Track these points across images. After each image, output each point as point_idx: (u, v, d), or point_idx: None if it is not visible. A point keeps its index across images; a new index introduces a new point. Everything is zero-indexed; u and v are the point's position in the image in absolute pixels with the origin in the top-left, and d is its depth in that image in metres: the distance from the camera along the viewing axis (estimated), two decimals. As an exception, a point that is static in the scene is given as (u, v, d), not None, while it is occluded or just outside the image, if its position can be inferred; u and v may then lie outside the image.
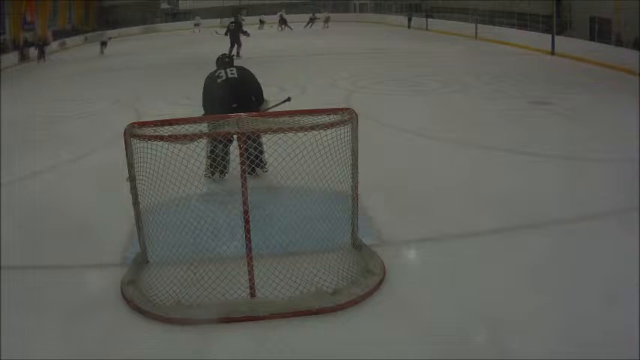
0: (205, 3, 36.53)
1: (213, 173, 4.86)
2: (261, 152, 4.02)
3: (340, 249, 3.57)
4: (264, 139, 3.77)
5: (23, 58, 20.30)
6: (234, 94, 4.90)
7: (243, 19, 32.78)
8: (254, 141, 3.37)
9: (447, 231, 4.09)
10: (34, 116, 9.23)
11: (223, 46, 14.28)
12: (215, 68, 5.22)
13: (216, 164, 4.67)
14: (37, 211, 4.72)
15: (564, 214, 4.34)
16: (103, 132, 7.22)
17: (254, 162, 3.74)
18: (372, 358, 2.74)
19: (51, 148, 6.99)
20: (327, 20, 29.17)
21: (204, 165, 4.45)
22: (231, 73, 5.04)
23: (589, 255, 3.67)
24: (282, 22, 28.34)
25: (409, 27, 27.02)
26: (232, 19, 17.28)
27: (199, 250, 3.47)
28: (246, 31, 16.82)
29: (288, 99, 5.20)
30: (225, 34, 16.35)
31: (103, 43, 22.83)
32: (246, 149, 3.22)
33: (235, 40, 16.22)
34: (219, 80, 5.01)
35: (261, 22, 29.59)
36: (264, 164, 4.62)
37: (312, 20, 29.49)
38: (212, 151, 4.56)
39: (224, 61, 5.27)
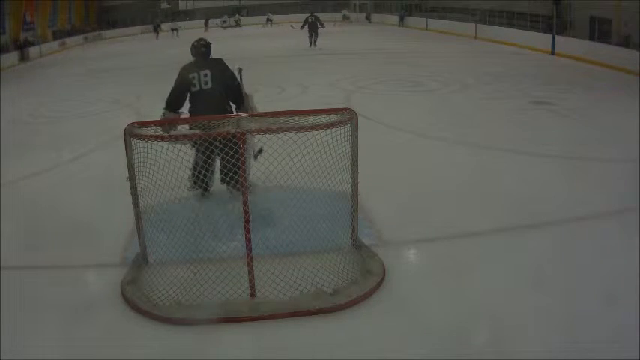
0: (205, 3, 36.52)
1: (196, 186, 4.45)
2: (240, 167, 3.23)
3: (340, 249, 3.57)
4: (264, 139, 3.59)
5: (23, 58, 20.32)
6: (206, 107, 4.28)
7: (240, 19, 33.17)
8: (235, 144, 3.16)
9: (447, 231, 4.09)
10: (35, 116, 9.25)
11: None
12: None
13: (198, 179, 4.27)
14: (36, 211, 4.72)
15: (564, 214, 4.33)
16: (103, 132, 7.22)
17: (236, 174, 3.37)
18: (372, 358, 2.74)
19: (51, 148, 6.98)
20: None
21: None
22: (205, 83, 4.38)
23: (589, 255, 3.66)
24: (346, 17, 30.74)
25: (401, 25, 27.78)
26: (309, 14, 18.35)
27: (199, 250, 3.47)
28: (322, 23, 18.08)
29: (260, 150, 4.24)
30: (302, 27, 17.96)
31: (175, 30, 25.44)
32: (227, 153, 3.12)
33: (315, 32, 17.67)
34: (193, 89, 4.41)
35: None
36: (247, 184, 3.42)
37: (346, 17, 30.57)
38: (195, 164, 4.21)
39: (200, 50, 4.52)
